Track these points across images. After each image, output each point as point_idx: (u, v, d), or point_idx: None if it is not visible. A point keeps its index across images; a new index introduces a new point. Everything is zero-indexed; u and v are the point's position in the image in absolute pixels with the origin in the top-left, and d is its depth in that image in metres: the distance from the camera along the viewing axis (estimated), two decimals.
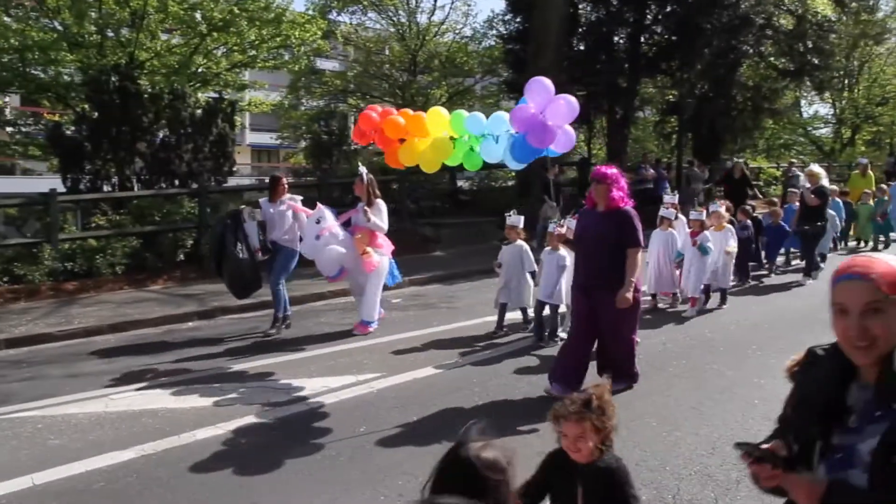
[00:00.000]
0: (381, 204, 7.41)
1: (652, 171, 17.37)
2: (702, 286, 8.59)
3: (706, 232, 8.60)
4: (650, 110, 24.32)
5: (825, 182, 10.62)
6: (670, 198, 9.31)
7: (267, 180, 8.49)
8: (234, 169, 15.32)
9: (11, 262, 10.06)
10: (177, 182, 12.96)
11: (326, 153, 17.02)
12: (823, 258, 11.32)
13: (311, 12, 20.60)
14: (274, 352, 7.01)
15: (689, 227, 8.90)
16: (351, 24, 24.65)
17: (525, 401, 5.58)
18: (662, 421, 5.08)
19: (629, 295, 5.26)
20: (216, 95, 15.33)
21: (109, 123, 12.30)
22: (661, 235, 8.81)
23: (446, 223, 13.77)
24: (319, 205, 7.17)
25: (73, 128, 13.40)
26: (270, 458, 4.52)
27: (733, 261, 9.20)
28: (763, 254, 11.16)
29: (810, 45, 19.95)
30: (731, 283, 9.66)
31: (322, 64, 25.26)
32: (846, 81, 27.83)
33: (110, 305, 9.07)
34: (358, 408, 5.47)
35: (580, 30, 19.05)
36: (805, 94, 26.38)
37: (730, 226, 9.21)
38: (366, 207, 7.23)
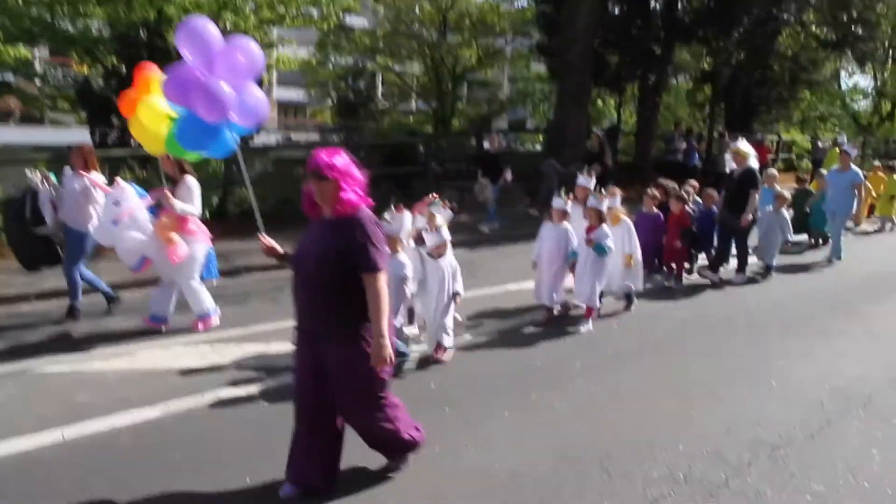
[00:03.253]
0: (192, 182, 6.25)
1: (685, 143, 17.10)
2: (599, 294, 7.01)
3: (604, 226, 6.90)
4: (684, 78, 23.81)
5: (754, 162, 8.91)
6: (585, 180, 7.61)
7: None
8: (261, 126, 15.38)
9: None
10: None
11: (353, 112, 16.99)
12: (768, 269, 9.38)
13: None
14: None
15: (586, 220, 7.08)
16: None
17: (544, 368, 5.64)
18: (678, 399, 5.10)
19: (385, 352, 3.43)
20: None
21: None
22: (553, 231, 7.07)
23: (471, 187, 13.66)
24: (120, 182, 6.16)
25: (101, 82, 13.47)
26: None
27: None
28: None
29: (855, 15, 19.29)
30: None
31: (351, 21, 24.99)
32: (890, 53, 26.94)
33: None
34: None
35: None
36: (846, 66, 25.62)
37: (627, 219, 7.52)
38: (166, 192, 6.07)
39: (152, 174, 11.56)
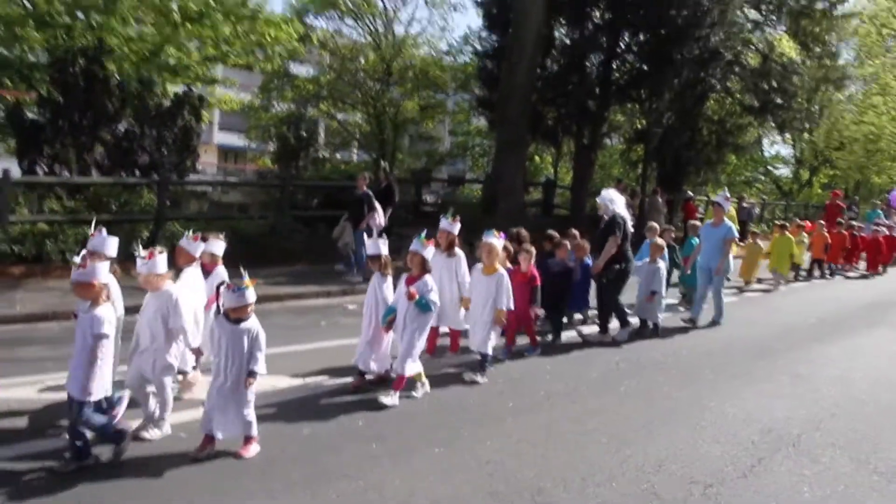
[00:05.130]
0: None
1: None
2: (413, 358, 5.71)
3: (427, 277, 5.81)
4: (617, 137, 24.66)
5: (620, 208, 8.22)
6: (448, 224, 6.90)
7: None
8: (199, 167, 15.06)
9: None
10: (137, 173, 12.68)
11: (294, 157, 16.86)
12: (655, 326, 8.72)
13: (289, 14, 20.48)
14: None
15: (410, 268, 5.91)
16: (327, 29, 24.56)
17: (476, 407, 5.53)
18: (612, 438, 5.06)
19: None
20: (185, 88, 15.06)
21: (73, 108, 11.98)
22: (375, 281, 6.06)
23: (409, 234, 13.64)
24: None
25: (35, 109, 13.01)
26: (211, 455, 4.38)
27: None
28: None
29: (774, 85, 20.44)
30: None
31: (296, 69, 25.09)
32: (807, 124, 28.71)
33: (57, 293, 8.76)
34: (303, 408, 5.35)
35: (554, 51, 19.24)
36: (767, 133, 27.06)
37: (502, 270, 6.58)
38: None
39: (80, 203, 11.16)
